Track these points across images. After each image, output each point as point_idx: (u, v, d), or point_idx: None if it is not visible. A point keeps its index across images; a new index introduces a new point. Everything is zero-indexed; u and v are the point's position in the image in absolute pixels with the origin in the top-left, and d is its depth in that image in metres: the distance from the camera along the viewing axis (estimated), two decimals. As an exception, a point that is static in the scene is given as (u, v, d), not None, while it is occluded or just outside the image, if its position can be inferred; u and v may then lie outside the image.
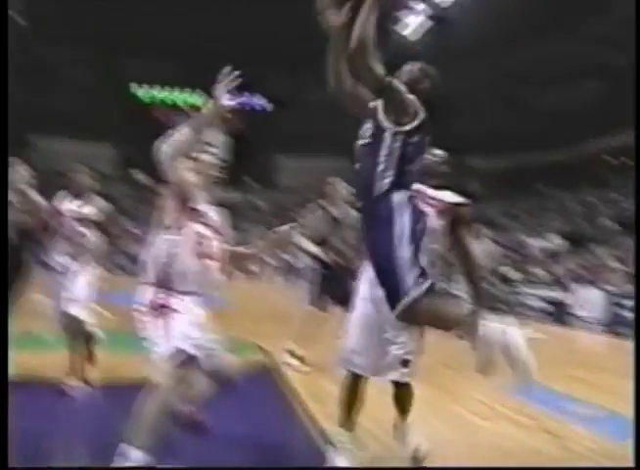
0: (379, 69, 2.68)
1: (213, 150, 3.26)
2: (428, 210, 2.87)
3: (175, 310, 2.93)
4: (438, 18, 26.73)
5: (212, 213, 3.21)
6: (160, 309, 2.93)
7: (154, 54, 31.91)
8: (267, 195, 35.23)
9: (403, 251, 2.68)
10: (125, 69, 34.17)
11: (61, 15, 27.75)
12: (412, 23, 28.15)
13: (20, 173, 4.53)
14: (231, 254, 3.31)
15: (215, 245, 3.16)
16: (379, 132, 2.81)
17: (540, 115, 28.86)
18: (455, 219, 3.00)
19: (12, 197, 4.32)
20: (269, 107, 37.32)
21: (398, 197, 2.79)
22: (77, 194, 4.75)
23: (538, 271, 16.95)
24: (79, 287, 4.61)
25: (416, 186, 3.09)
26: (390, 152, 2.78)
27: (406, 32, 28.51)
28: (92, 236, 4.72)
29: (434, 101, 2.93)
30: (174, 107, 34.74)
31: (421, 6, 27.04)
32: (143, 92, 36.34)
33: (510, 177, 29.56)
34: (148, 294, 2.97)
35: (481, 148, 29.12)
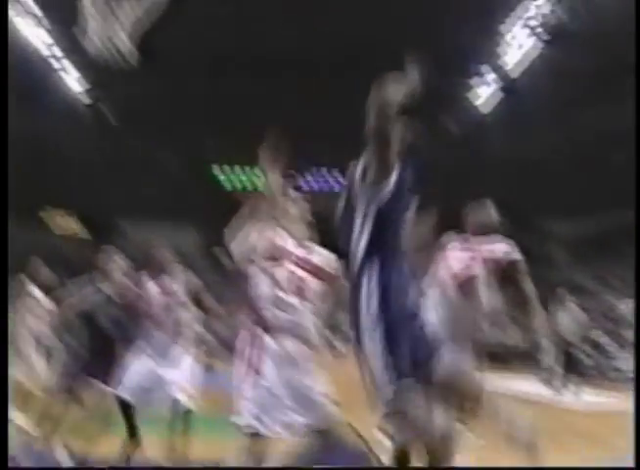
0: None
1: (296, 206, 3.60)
2: (479, 264, 3.17)
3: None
4: (509, 89, 27.23)
5: (313, 256, 3.47)
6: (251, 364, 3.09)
7: (235, 135, 33.52)
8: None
9: (374, 340, 2.39)
10: (208, 151, 35.97)
11: (148, 111, 29.51)
12: (484, 94, 28.86)
13: (117, 262, 4.76)
14: None
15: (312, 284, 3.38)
16: (354, 193, 2.69)
17: (625, 174, 28.28)
18: (511, 272, 3.28)
19: (109, 287, 4.62)
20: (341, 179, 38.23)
21: (375, 262, 2.53)
22: (164, 272, 4.72)
23: (630, 335, 16.38)
24: (180, 370, 4.54)
25: (470, 240, 3.44)
26: (366, 213, 2.59)
27: (478, 103, 29.26)
28: (186, 314, 4.68)
29: (419, 158, 2.79)
30: (255, 189, 36.14)
31: (492, 76, 27.66)
32: (225, 175, 38.15)
33: (596, 241, 28.82)
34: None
35: (565, 212, 28.75)
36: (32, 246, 31.45)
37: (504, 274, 3.30)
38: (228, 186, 37.88)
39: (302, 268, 3.42)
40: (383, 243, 2.53)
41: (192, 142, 35.30)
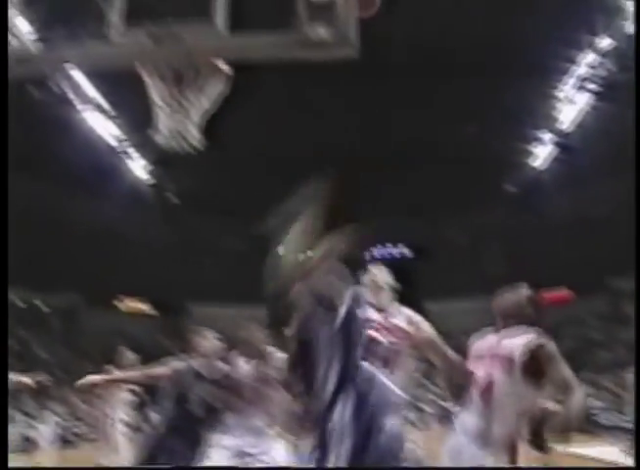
0: None
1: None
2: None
3: None
4: (565, 145, 27.05)
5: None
6: None
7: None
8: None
9: None
10: (274, 232, 36.66)
11: (209, 189, 30.44)
12: (541, 154, 28.73)
13: (210, 341, 4.76)
14: None
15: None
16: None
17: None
18: (539, 360, 3.24)
19: (201, 365, 4.53)
20: (410, 254, 38.23)
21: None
22: (255, 352, 4.67)
23: None
24: (269, 452, 4.42)
25: (498, 334, 3.44)
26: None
27: (536, 164, 29.09)
28: (277, 394, 4.53)
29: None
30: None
31: (548, 136, 27.59)
32: (291, 254, 38.60)
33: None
34: None
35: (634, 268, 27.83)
36: (109, 329, 32.44)
37: (535, 364, 3.23)
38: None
39: (383, 332, 3.51)
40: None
41: (258, 223, 36.07)
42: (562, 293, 31.11)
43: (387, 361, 3.42)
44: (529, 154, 29.02)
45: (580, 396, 3.19)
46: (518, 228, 32.93)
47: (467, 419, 3.37)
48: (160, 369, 4.68)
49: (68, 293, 33.95)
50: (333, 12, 2.47)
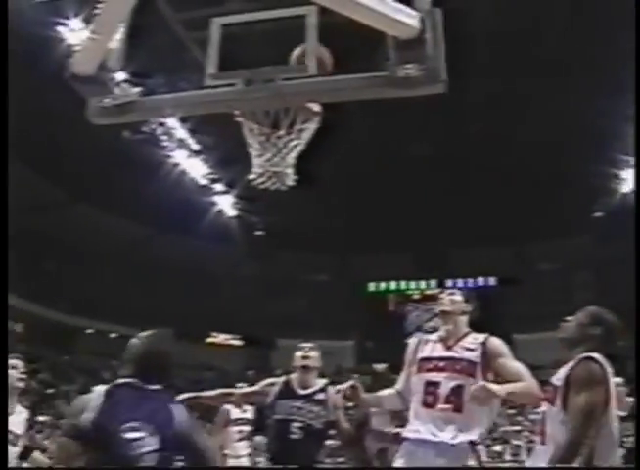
0: None
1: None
2: None
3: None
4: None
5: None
6: None
7: (386, 249, 34.09)
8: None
9: None
10: (360, 266, 36.73)
11: (293, 223, 30.86)
12: (631, 179, 27.68)
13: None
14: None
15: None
16: None
17: None
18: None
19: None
20: (495, 283, 37.40)
21: None
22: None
23: None
24: None
25: None
26: None
27: (626, 189, 28.04)
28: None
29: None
30: (408, 298, 36.18)
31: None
32: (377, 289, 38.65)
33: None
34: None
35: None
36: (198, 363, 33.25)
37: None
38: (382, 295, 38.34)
39: (439, 371, 3.44)
40: None
41: (346, 259, 36.45)
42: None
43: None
44: (619, 179, 27.99)
45: None
46: (607, 255, 31.69)
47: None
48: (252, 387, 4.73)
49: (160, 327, 34.99)
50: (422, 49, 2.51)
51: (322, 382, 4.41)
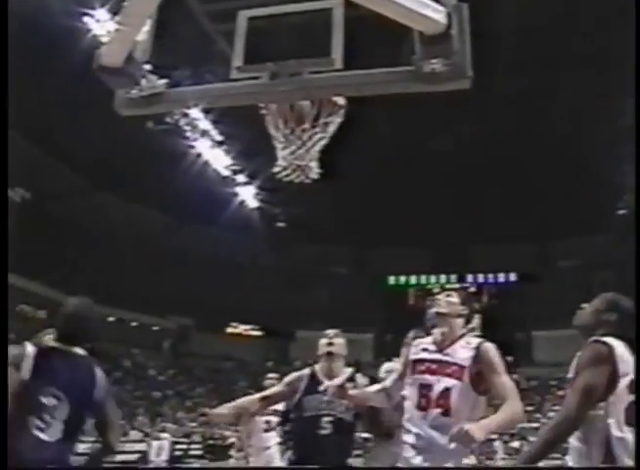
0: None
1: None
2: None
3: None
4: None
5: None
6: None
7: (407, 243, 34.02)
8: (529, 371, 33.89)
9: None
10: (380, 260, 36.71)
11: (314, 215, 30.88)
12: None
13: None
14: None
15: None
16: None
17: None
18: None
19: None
20: (515, 279, 37.19)
21: None
22: None
23: None
24: None
25: None
26: None
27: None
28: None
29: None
30: (429, 292, 36.08)
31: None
32: (397, 283, 38.62)
33: None
34: None
35: None
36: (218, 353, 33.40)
37: None
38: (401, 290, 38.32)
39: (431, 373, 3.41)
40: None
41: (367, 252, 36.44)
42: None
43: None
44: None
45: None
46: (629, 253, 31.33)
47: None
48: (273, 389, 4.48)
49: (180, 317, 35.43)
50: (448, 44, 2.50)
51: (349, 371, 4.21)
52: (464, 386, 3.27)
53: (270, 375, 6.43)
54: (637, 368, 2.70)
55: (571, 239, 32.78)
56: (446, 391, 3.27)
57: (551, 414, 31.14)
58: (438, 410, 3.25)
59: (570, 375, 2.95)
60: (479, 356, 3.33)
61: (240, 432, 7.85)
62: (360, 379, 4.11)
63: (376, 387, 3.74)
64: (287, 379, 4.27)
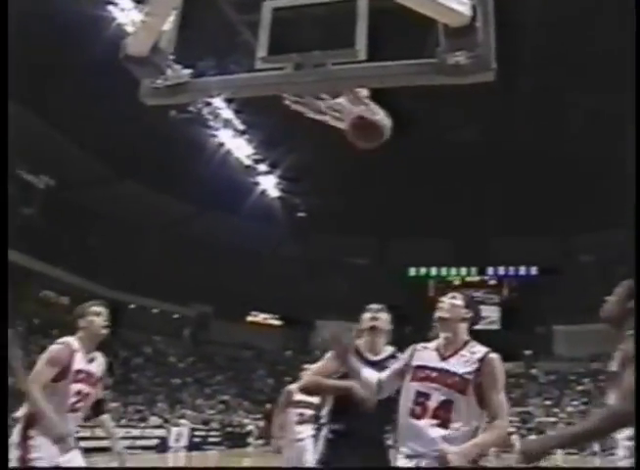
0: None
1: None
2: None
3: None
4: None
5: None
6: None
7: (428, 235, 33.92)
8: (548, 365, 33.74)
9: None
10: (401, 251, 36.66)
11: (335, 206, 30.94)
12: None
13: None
14: None
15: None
16: None
17: None
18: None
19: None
20: (536, 273, 36.94)
21: None
22: None
23: None
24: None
25: None
26: None
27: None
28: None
29: None
30: (449, 284, 35.98)
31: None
32: (418, 274, 38.56)
33: None
34: None
35: None
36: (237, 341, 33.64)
37: None
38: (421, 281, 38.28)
39: (430, 381, 3.25)
40: None
41: (387, 243, 36.38)
42: None
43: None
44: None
45: None
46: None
47: None
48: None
49: (201, 305, 35.74)
50: (472, 37, 2.49)
51: (391, 349, 4.13)
52: (467, 400, 3.15)
53: (306, 366, 6.32)
54: (637, 368, 2.64)
55: (592, 233, 32.46)
56: (446, 403, 3.17)
57: (569, 409, 31.17)
58: (434, 421, 3.17)
59: (613, 369, 2.88)
60: (482, 368, 3.21)
61: (273, 423, 7.81)
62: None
63: (370, 374, 3.58)
64: (330, 354, 4.16)
